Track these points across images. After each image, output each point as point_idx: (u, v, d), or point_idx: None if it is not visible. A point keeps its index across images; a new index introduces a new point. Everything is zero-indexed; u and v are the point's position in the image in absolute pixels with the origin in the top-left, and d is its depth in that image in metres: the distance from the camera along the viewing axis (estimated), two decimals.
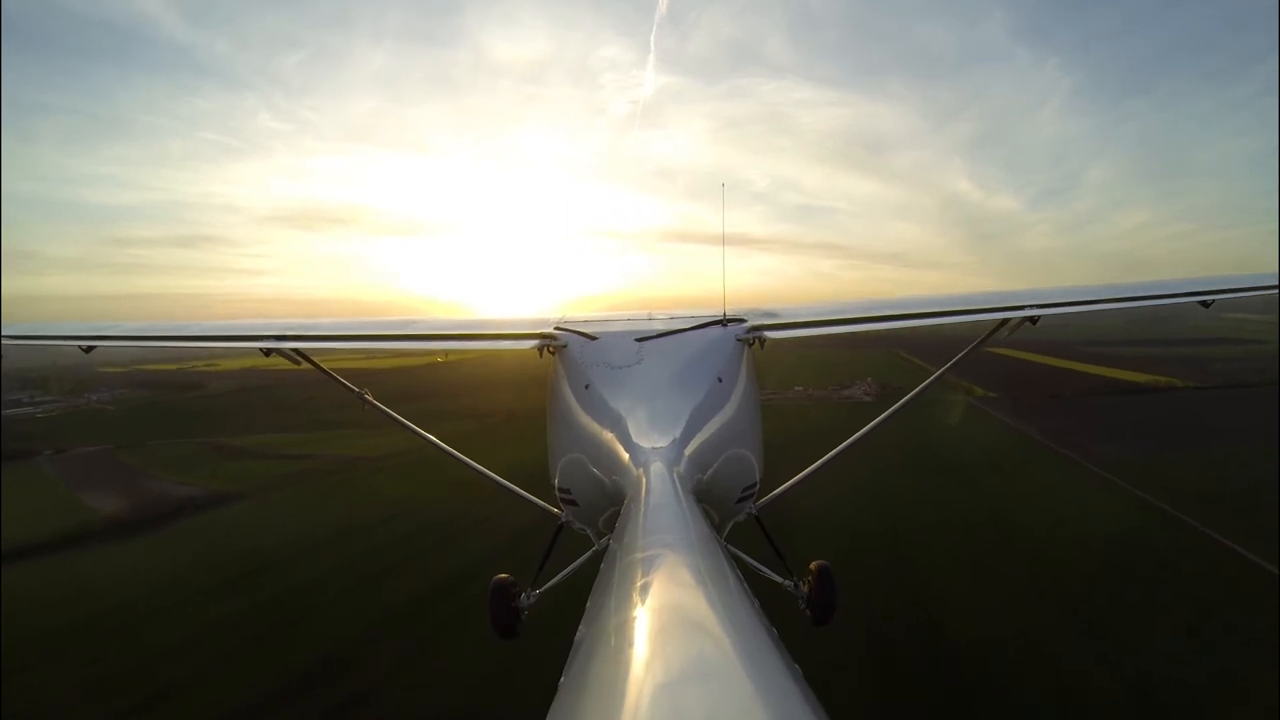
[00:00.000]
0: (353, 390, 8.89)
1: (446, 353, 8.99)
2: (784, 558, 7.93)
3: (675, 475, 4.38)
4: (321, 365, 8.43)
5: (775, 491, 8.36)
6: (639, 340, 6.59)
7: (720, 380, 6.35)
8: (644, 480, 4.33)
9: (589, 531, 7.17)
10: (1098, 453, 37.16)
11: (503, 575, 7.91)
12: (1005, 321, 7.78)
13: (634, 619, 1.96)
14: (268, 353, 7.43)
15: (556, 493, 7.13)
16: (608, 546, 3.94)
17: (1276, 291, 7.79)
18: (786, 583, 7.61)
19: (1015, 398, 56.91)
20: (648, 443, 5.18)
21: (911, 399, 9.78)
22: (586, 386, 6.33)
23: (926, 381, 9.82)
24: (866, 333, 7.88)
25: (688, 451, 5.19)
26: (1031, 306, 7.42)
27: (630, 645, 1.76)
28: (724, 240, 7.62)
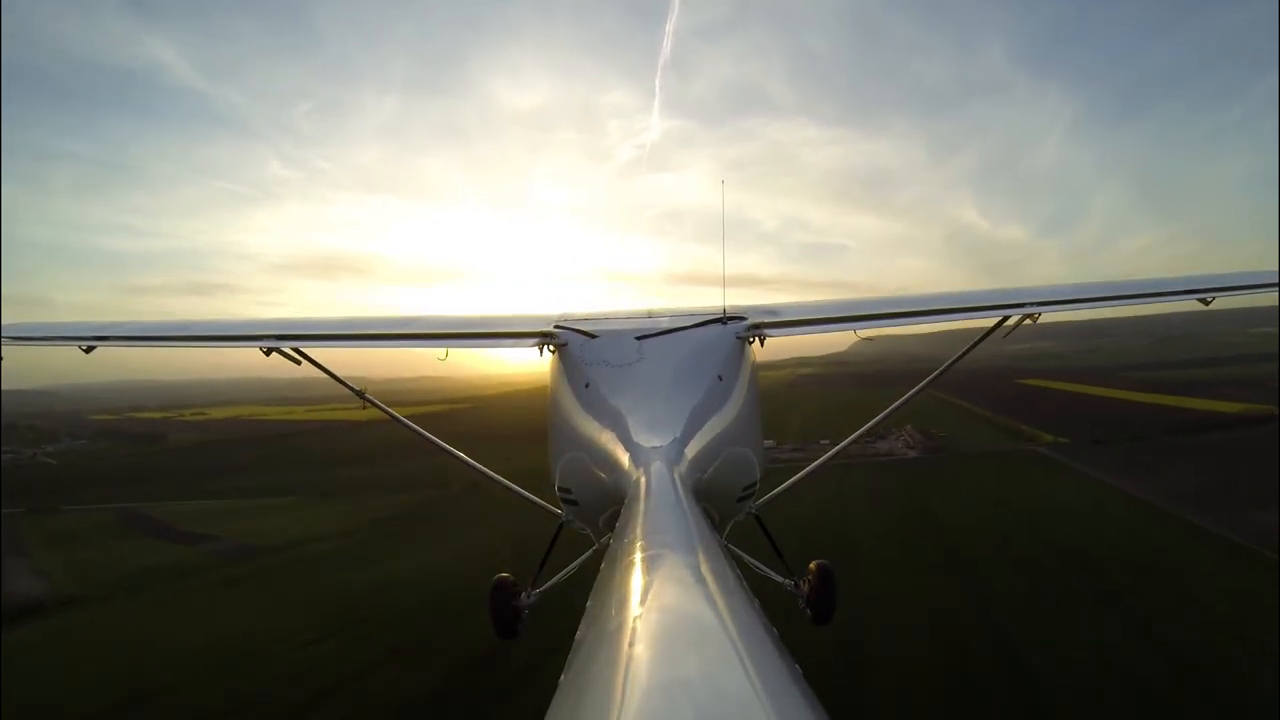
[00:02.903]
0: (352, 389, 8.32)
1: (447, 353, 7.34)
2: (784, 557, 7.67)
3: (676, 474, 4.16)
4: (321, 364, 7.85)
5: (775, 491, 8.16)
6: (639, 338, 6.22)
7: (720, 378, 6.04)
8: (644, 479, 4.12)
9: (589, 531, 6.80)
10: (1264, 527, 24.63)
11: (503, 575, 7.71)
12: (1005, 319, 7.35)
13: (634, 619, 1.88)
14: (268, 352, 7.03)
15: (557, 492, 6.62)
16: (608, 546, 3.39)
17: (1276, 289, 7.39)
18: (787, 582, 7.51)
19: (1094, 442, 44.28)
20: (648, 442, 4.89)
21: (910, 399, 9.54)
22: (587, 385, 6.04)
23: (925, 382, 9.35)
24: (867, 330, 7.32)
25: (688, 450, 4.90)
26: (1032, 304, 7.04)
27: (630, 645, 1.69)
28: (724, 237, 7.21)
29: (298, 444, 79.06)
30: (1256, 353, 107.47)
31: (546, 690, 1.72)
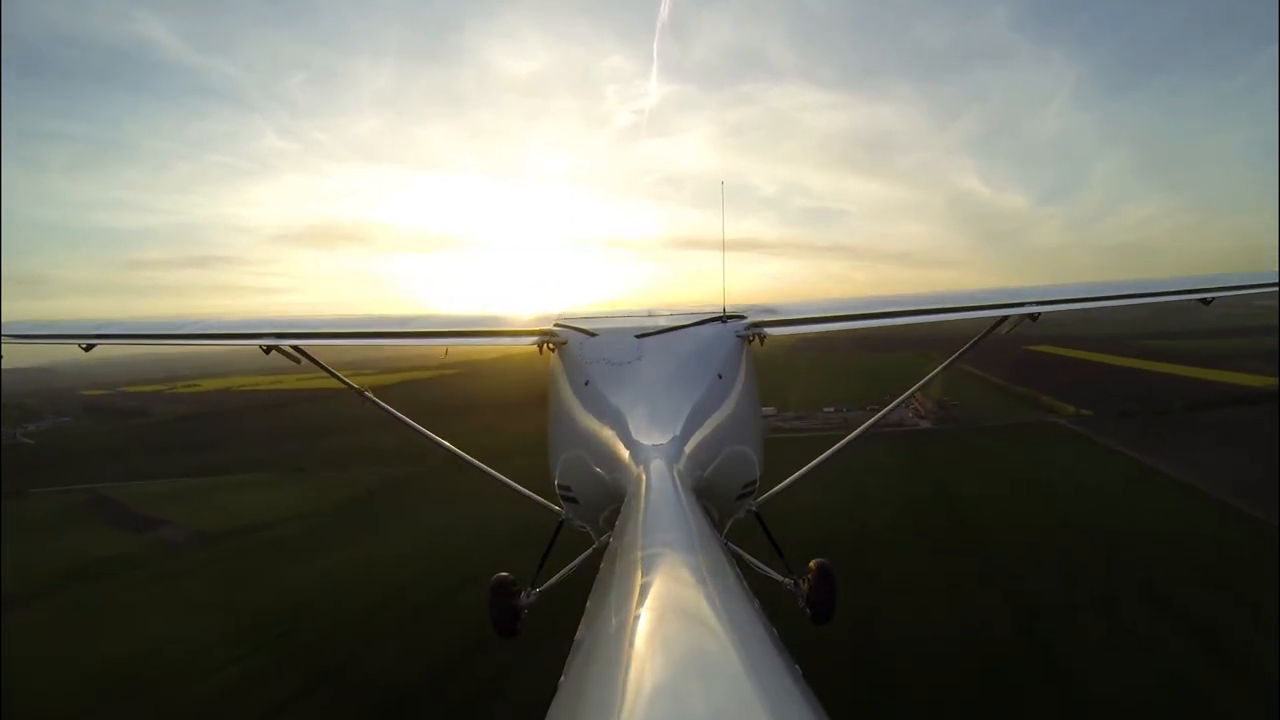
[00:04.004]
0: (352, 388, 8.32)
1: (447, 350, 7.69)
2: (784, 556, 7.49)
3: (675, 473, 4.13)
4: (321, 363, 7.88)
5: (775, 489, 7.97)
6: (639, 337, 6.14)
7: (720, 377, 5.96)
8: (644, 478, 4.07)
9: (589, 529, 6.76)
10: None
11: (503, 574, 7.63)
12: (1005, 318, 7.46)
13: (634, 618, 1.84)
14: (268, 350, 7.01)
15: (556, 490, 6.60)
16: (608, 544, 3.50)
17: (1277, 290, 7.50)
18: (786, 581, 7.33)
19: (1120, 415, 40.66)
20: (648, 440, 4.83)
21: (910, 397, 8.98)
22: (586, 383, 5.96)
23: (925, 380, 9.58)
24: (867, 330, 7.43)
25: (688, 448, 4.85)
26: (1032, 304, 7.14)
27: (630, 645, 1.67)
28: (724, 236, 7.09)
29: (283, 414, 75.15)
30: (1260, 325, 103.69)
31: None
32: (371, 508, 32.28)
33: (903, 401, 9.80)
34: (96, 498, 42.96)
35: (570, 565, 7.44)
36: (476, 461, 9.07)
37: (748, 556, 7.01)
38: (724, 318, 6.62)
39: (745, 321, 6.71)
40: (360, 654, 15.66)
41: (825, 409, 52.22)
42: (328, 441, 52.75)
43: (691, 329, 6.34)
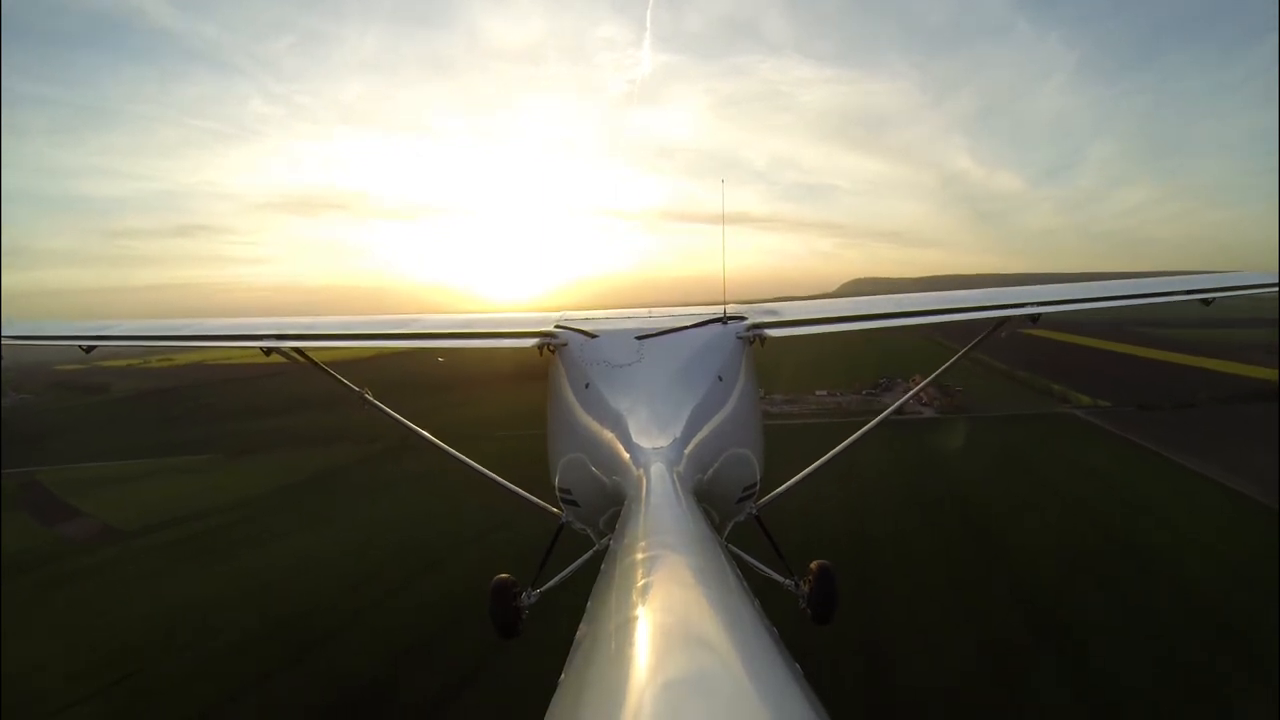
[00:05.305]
0: (352, 389, 8.33)
1: (445, 352, 8.30)
2: (784, 557, 7.42)
3: (675, 475, 4.15)
4: (321, 364, 8.00)
5: (775, 491, 7.92)
6: (639, 338, 6.21)
7: (721, 379, 6.00)
8: (644, 480, 4.09)
9: (589, 531, 6.75)
10: None
11: (503, 575, 7.42)
12: (1005, 320, 7.59)
13: (634, 619, 1.85)
14: (268, 352, 7.09)
15: (557, 492, 6.65)
16: (608, 546, 3.53)
17: (1276, 290, 7.51)
18: (787, 582, 7.23)
19: (1139, 408, 37.43)
20: (648, 442, 4.85)
21: (911, 398, 10.73)
22: (587, 385, 5.99)
23: (927, 380, 9.93)
24: (868, 331, 7.60)
25: (688, 451, 4.86)
26: (1032, 305, 7.24)
27: (630, 645, 1.67)
28: (724, 238, 7.29)
29: (244, 390, 71.02)
30: (1261, 316, 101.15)
31: None
32: (307, 496, 28.98)
33: (902, 404, 9.51)
34: (27, 482, 39.76)
35: (571, 567, 7.28)
36: (476, 464, 8.81)
37: (748, 558, 6.88)
38: (724, 319, 6.67)
39: (746, 323, 6.77)
40: (243, 694, 12.34)
41: (818, 392, 48.98)
42: (278, 422, 49.55)
43: (692, 331, 6.40)
